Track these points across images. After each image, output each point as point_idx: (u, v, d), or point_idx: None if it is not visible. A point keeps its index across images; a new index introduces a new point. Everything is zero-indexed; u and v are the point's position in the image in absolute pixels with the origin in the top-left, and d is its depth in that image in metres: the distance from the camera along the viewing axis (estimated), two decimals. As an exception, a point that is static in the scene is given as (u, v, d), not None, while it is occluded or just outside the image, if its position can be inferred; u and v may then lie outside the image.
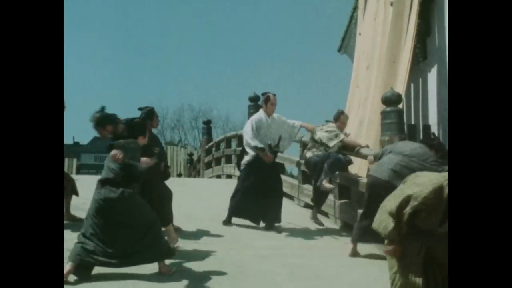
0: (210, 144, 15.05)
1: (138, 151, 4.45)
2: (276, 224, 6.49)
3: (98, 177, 4.47)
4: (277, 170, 6.94)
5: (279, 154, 9.62)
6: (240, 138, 12.15)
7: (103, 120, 4.90)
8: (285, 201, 8.69)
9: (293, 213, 7.79)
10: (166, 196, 5.82)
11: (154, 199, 5.75)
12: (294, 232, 6.42)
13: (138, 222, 4.25)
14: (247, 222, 6.99)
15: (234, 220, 7.09)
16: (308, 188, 8.17)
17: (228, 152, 13.26)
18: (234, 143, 12.22)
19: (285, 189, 8.91)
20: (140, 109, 5.98)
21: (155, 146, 5.95)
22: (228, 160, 13.42)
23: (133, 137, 4.48)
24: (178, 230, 6.04)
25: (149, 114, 5.88)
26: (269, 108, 6.54)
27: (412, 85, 9.27)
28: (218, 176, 13.73)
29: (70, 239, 4.75)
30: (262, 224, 6.61)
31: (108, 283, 4.07)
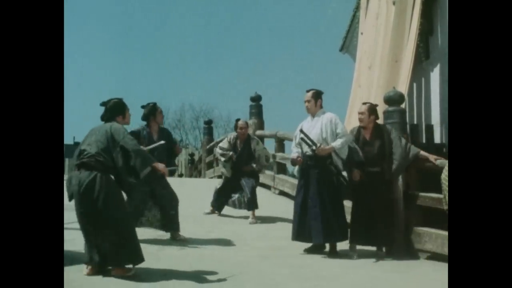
0: (212, 144, 15.02)
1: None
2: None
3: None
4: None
5: (281, 154, 9.65)
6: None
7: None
8: (287, 201, 8.69)
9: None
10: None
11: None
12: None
13: (111, 215, 4.02)
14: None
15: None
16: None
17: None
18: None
19: (286, 190, 8.93)
20: (142, 107, 5.91)
21: (170, 142, 5.88)
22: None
23: (111, 118, 4.29)
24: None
25: (151, 110, 5.84)
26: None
27: (414, 84, 9.24)
28: (220, 176, 13.70)
29: (71, 239, 4.75)
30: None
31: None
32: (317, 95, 5.59)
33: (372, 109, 5.57)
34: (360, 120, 5.55)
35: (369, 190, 5.40)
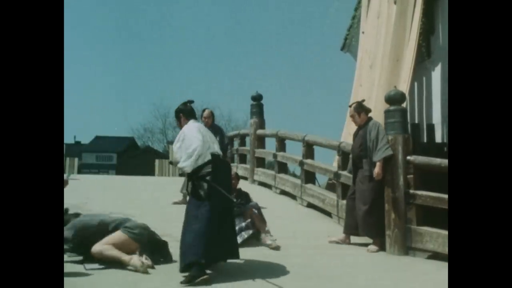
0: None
1: None
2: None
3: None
4: None
5: (282, 153, 9.64)
6: (242, 137, 12.13)
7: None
8: (288, 201, 8.69)
9: (296, 212, 7.78)
10: None
11: None
12: (297, 232, 6.39)
13: None
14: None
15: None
16: (311, 187, 8.15)
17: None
18: (236, 142, 12.16)
19: (287, 189, 8.93)
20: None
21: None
22: (230, 160, 13.36)
23: None
24: None
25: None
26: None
27: (415, 83, 9.24)
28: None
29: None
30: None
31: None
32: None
33: (358, 107, 5.98)
34: (354, 122, 6.11)
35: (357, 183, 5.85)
